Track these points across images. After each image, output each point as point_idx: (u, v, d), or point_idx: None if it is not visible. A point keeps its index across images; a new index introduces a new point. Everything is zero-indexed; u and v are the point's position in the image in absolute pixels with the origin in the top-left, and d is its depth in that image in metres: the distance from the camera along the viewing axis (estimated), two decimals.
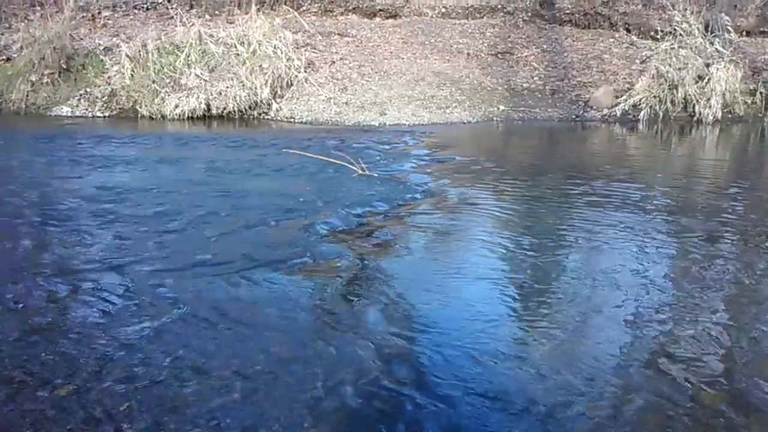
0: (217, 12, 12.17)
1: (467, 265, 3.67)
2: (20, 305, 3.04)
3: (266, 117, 10.21)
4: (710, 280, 3.44)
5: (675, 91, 10.08)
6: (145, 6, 12.85)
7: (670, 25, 10.89)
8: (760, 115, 10.15)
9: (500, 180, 5.88)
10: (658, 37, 11.26)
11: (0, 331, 2.75)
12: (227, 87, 9.99)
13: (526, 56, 11.71)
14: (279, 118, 10.15)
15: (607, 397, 2.31)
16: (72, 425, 2.12)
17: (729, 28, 10.79)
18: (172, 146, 7.75)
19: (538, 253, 3.85)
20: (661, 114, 10.06)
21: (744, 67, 10.35)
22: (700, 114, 9.90)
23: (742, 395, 2.34)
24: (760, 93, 10.25)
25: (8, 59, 11.00)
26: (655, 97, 10.12)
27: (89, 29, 11.99)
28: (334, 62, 11.26)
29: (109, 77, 10.53)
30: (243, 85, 10.00)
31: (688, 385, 2.39)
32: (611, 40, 12.08)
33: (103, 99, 10.38)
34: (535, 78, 11.18)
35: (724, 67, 10.01)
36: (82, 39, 11.43)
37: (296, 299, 3.12)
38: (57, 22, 10.88)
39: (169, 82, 10.14)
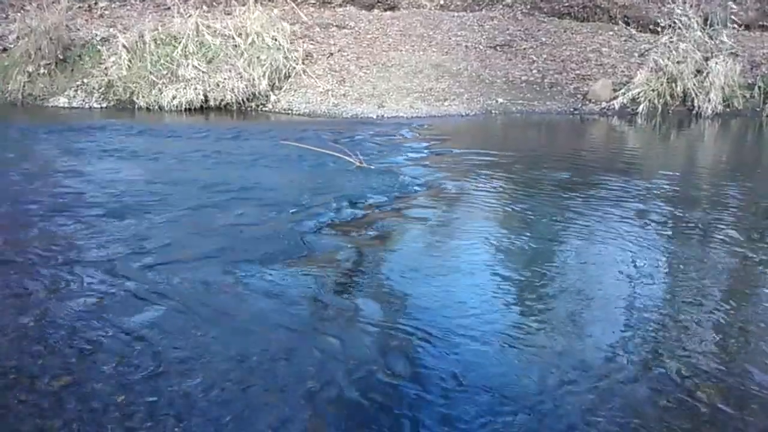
0: (214, 3, 12.09)
1: (465, 257, 3.67)
2: (15, 297, 3.04)
3: (264, 109, 10.17)
4: (708, 271, 3.45)
5: (674, 85, 10.06)
6: None
7: (669, 18, 10.85)
8: (758, 109, 10.13)
9: (498, 172, 5.87)
10: (657, 30, 11.22)
11: None
12: (225, 78, 9.94)
13: (524, 49, 11.66)
14: (277, 109, 10.11)
15: (601, 388, 2.31)
16: (68, 417, 2.12)
17: (734, 18, 10.73)
18: (168, 138, 7.72)
19: (535, 245, 3.85)
20: (659, 107, 10.04)
21: (743, 61, 10.32)
22: (698, 108, 9.88)
23: (738, 388, 2.35)
24: (759, 87, 10.23)
25: (4, 50, 10.92)
26: (653, 90, 10.09)
27: (86, 20, 11.90)
28: (332, 54, 11.21)
29: (106, 68, 10.45)
30: (241, 77, 9.96)
31: (683, 377, 2.39)
32: (610, 33, 12.04)
33: (100, 90, 10.31)
34: (534, 71, 11.14)
35: (723, 61, 9.99)
36: (78, 29, 11.34)
37: (293, 291, 3.13)
38: (53, 12, 10.78)
39: (167, 74, 10.08)
